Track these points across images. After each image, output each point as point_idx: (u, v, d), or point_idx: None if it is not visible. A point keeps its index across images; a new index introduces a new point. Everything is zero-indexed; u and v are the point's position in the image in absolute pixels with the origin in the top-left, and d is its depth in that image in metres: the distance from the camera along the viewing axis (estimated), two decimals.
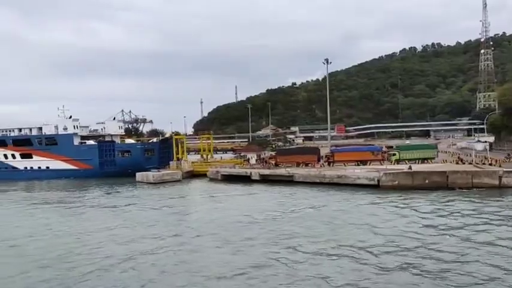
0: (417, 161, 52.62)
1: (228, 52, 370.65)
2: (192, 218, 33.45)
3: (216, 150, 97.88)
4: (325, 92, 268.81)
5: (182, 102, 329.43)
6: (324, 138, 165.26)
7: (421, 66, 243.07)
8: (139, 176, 61.06)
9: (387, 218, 29.29)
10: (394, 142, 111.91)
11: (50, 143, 74.80)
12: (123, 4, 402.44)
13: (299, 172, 49.68)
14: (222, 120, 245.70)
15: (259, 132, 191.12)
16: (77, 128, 73.99)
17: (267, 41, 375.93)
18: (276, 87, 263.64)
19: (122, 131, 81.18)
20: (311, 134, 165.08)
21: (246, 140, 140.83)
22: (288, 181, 50.02)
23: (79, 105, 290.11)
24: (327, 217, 30.21)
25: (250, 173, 54.19)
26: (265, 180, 52.51)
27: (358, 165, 54.01)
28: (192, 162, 67.94)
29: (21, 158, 76.01)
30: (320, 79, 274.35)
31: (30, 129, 77.90)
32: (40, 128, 76.86)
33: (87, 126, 79.33)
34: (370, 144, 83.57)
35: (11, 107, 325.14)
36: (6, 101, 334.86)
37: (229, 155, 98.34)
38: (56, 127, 74.61)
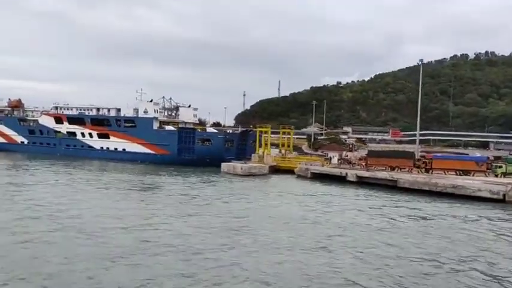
0: None
1: (271, 46, 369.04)
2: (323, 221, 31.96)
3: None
4: (370, 94, 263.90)
5: (222, 93, 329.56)
6: (375, 141, 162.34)
7: (473, 74, 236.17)
8: (225, 166, 60.37)
9: None
10: (452, 151, 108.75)
11: (129, 125, 75.06)
12: None
13: (404, 177, 47.90)
14: (264, 115, 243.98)
15: (305, 130, 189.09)
16: (157, 112, 73.87)
17: (310, 38, 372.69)
18: (321, 85, 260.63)
19: (196, 119, 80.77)
20: (364, 136, 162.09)
21: (304, 137, 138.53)
22: (388, 186, 48.35)
23: (120, 88, 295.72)
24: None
25: (346, 174, 52.69)
26: (361, 182, 50.98)
27: (459, 175, 51.90)
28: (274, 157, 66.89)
29: (98, 137, 76.59)
30: (366, 80, 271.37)
31: (109, 110, 78.34)
32: (119, 110, 77.20)
33: (162, 111, 79.19)
34: (462, 153, 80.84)
35: (53, 85, 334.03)
36: (50, 80, 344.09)
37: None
38: (136, 110, 74.73)
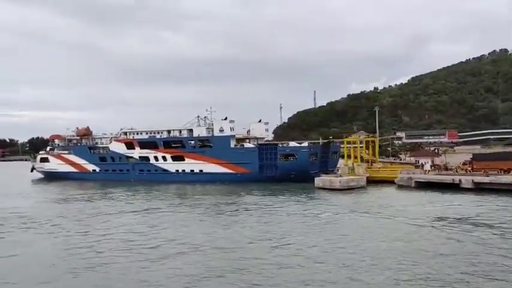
0: None
1: (295, 58, 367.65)
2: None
3: None
4: (411, 97, 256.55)
5: (253, 107, 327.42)
6: (430, 144, 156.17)
7: None
8: (319, 181, 57.31)
9: None
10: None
11: (204, 145, 73.08)
12: (194, 13, 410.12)
13: None
14: (303, 126, 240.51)
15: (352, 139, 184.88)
16: (233, 129, 71.70)
17: (331, 47, 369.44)
18: (359, 91, 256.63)
19: (267, 134, 78.33)
20: (419, 140, 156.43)
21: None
22: None
23: (151, 110, 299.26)
24: None
25: (460, 180, 49.02)
26: (479, 189, 47.19)
27: None
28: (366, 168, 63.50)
29: (173, 160, 74.78)
30: (403, 83, 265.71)
31: (180, 131, 76.62)
32: (190, 130, 75.38)
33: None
34: None
35: (82, 113, 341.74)
36: (78, 108, 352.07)
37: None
38: (210, 129, 72.83)
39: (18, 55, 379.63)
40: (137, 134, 79.93)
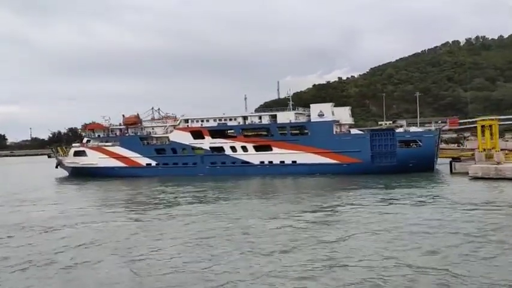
0: None
1: (233, 52, 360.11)
2: None
3: None
4: (378, 86, 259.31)
5: (197, 101, 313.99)
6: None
7: (474, 59, 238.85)
8: (476, 169, 49.89)
9: None
10: None
11: (298, 133, 62.89)
12: (130, 5, 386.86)
13: None
14: None
15: None
16: (333, 114, 62.19)
17: (266, 41, 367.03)
18: (324, 82, 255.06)
19: (352, 120, 69.64)
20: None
21: None
22: None
23: (87, 104, 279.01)
24: None
25: None
26: None
27: None
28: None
29: (256, 150, 63.60)
30: (366, 72, 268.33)
31: (260, 117, 65.48)
32: (274, 116, 64.59)
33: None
34: None
35: (10, 107, 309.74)
36: (5, 102, 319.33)
37: None
38: (303, 114, 62.85)
39: None
40: (203, 121, 67.35)
